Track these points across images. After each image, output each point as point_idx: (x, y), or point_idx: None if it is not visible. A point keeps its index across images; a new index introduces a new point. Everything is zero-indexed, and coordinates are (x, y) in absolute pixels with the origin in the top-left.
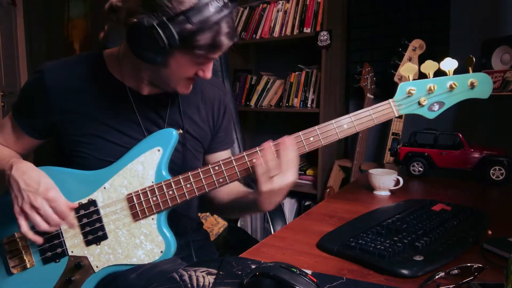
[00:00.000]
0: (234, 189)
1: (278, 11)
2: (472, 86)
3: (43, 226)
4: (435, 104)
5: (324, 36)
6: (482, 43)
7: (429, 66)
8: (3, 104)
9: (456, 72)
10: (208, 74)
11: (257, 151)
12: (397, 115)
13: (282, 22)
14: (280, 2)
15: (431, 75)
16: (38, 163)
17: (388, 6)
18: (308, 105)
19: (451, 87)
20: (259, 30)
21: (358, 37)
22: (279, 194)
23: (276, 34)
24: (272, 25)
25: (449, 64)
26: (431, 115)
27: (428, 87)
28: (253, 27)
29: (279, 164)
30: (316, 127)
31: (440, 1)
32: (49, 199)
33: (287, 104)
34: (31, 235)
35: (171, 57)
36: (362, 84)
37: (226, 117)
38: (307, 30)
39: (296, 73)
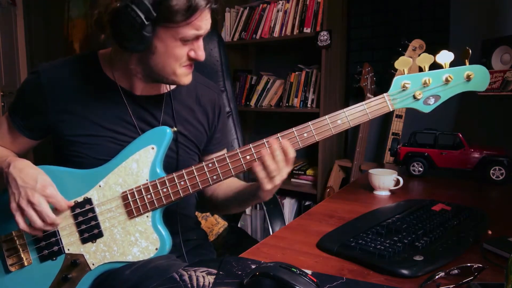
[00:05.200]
0: (231, 185)
1: (278, 11)
2: (468, 78)
3: (38, 223)
4: (431, 97)
5: (324, 36)
6: (482, 43)
7: (425, 59)
8: (3, 104)
9: (453, 66)
10: (200, 53)
11: (250, 148)
12: (391, 109)
13: (282, 22)
14: (280, 2)
15: (427, 68)
16: (37, 163)
17: (388, 6)
18: (308, 105)
19: (446, 80)
20: (259, 30)
21: (358, 37)
22: (278, 186)
23: (276, 34)
24: (272, 25)
25: (445, 57)
26: (426, 109)
27: (423, 80)
28: (253, 27)
29: (278, 166)
30: (310, 122)
31: (440, 1)
32: (46, 196)
33: (287, 104)
34: (29, 230)
35: (155, 38)
36: (362, 84)
37: (221, 118)
38: (307, 30)
39: (296, 73)
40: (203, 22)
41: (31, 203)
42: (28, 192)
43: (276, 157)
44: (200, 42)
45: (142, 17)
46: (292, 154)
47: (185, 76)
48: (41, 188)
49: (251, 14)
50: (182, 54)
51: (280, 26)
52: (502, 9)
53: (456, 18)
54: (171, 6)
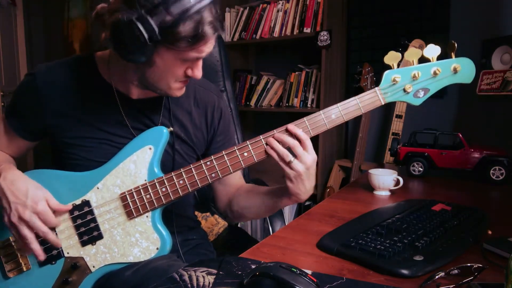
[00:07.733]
0: (254, 190)
1: (278, 11)
2: (455, 71)
3: (30, 236)
4: (420, 90)
5: (324, 36)
6: (482, 43)
7: (413, 54)
8: (3, 104)
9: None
10: (198, 73)
11: (247, 144)
12: (383, 103)
13: (282, 22)
14: (280, 2)
15: (415, 62)
16: (37, 164)
17: (388, 6)
18: (308, 105)
19: (435, 73)
20: (259, 30)
21: (358, 37)
22: (308, 177)
23: (276, 34)
24: (272, 25)
25: (432, 50)
26: (417, 102)
27: (412, 74)
28: (253, 27)
29: (296, 152)
30: (304, 118)
31: (440, 1)
32: (38, 213)
33: (287, 104)
34: (24, 245)
35: (155, 53)
36: (362, 84)
37: (223, 121)
38: (307, 30)
39: (296, 73)
40: (207, 46)
41: (23, 220)
42: (19, 208)
43: (284, 139)
44: (200, 62)
45: (146, 36)
46: (302, 135)
47: (178, 90)
48: (31, 204)
49: (251, 14)
50: (180, 72)
51: (280, 26)
52: (502, 9)
53: (456, 18)
54: (177, 33)
